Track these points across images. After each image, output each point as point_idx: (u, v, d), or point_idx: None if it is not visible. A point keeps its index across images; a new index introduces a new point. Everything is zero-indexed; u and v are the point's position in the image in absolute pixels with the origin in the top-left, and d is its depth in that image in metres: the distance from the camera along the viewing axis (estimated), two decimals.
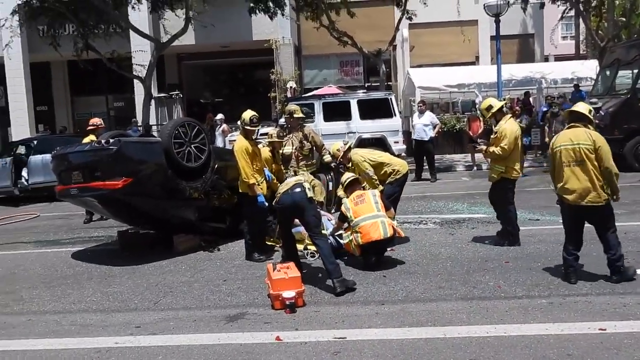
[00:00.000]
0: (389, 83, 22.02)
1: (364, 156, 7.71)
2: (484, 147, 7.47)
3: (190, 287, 6.26)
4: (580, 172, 5.51)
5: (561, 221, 8.45)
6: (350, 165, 7.65)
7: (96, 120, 11.14)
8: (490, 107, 7.29)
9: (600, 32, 23.15)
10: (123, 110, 25.25)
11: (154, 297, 6.00)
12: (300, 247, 7.34)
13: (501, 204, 7.37)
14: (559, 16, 26.01)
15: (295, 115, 8.76)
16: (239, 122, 7.63)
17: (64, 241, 9.50)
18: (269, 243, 7.90)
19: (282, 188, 6.26)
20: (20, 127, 21.73)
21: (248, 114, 7.35)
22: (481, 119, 16.59)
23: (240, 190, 7.42)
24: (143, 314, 5.48)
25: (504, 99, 16.80)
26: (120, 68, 18.83)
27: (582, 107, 5.81)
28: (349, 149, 7.78)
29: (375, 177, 7.54)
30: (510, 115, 7.57)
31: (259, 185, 7.23)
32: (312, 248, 7.08)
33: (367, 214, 6.58)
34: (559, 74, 19.39)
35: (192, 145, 7.93)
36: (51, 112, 25.62)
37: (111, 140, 7.41)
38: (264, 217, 7.57)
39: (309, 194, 5.95)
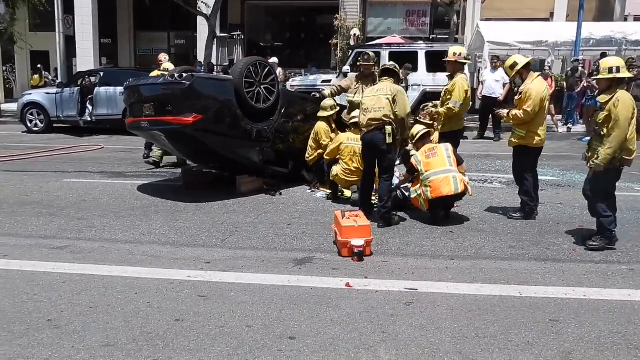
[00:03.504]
0: (455, 36, 21.22)
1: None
2: (505, 113, 6.64)
3: (255, 228, 6.28)
4: None
5: (637, 189, 8.22)
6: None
7: (162, 56, 11.01)
8: (515, 64, 6.45)
9: None
10: (184, 47, 25.37)
11: (221, 235, 6.05)
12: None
13: (517, 171, 6.71)
14: None
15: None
16: None
17: (129, 174, 9.69)
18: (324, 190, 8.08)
19: (369, 126, 6.31)
20: (85, 57, 22.05)
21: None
22: (552, 77, 15.90)
23: None
24: (212, 250, 5.53)
25: (578, 59, 16.04)
26: (187, 4, 18.72)
27: None
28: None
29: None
30: (538, 73, 6.70)
31: None
32: (348, 194, 7.57)
33: (439, 168, 6.42)
34: None
35: (262, 86, 7.84)
36: (114, 45, 25.84)
37: (184, 75, 7.27)
38: None
39: (388, 140, 5.90)
